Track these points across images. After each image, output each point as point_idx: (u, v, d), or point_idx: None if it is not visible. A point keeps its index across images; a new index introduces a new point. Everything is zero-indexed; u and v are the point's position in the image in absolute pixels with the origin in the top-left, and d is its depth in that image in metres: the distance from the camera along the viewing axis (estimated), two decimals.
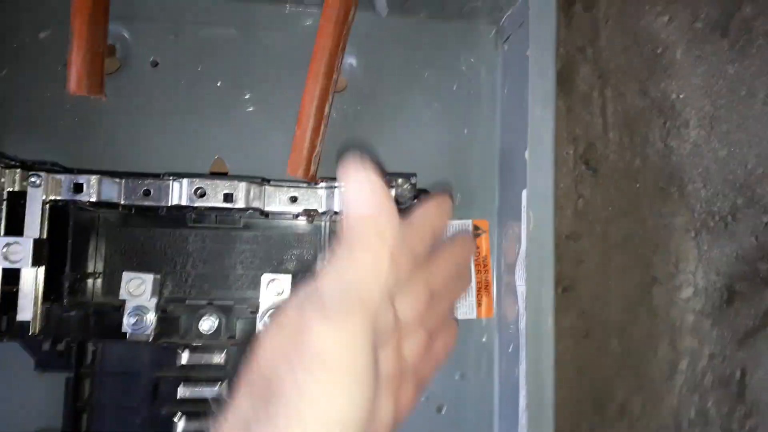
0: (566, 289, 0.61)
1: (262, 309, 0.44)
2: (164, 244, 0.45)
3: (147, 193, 0.43)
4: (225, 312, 0.45)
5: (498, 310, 0.51)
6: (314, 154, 0.44)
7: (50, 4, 0.48)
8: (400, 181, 0.46)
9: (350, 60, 0.52)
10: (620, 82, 0.65)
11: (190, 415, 0.44)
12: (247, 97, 0.50)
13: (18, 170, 0.41)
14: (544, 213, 0.44)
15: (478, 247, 0.50)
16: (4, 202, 0.41)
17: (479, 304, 0.50)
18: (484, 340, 0.51)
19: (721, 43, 0.66)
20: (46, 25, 0.48)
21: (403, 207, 0.46)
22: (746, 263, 0.63)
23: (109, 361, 0.43)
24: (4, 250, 0.40)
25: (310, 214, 0.45)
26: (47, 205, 0.42)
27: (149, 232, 0.45)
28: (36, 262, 0.40)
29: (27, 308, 0.40)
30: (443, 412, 0.50)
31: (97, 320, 0.44)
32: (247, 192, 0.44)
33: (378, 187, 0.32)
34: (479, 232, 0.50)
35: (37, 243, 0.41)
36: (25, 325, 0.41)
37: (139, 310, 0.43)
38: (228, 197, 0.44)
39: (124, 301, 0.43)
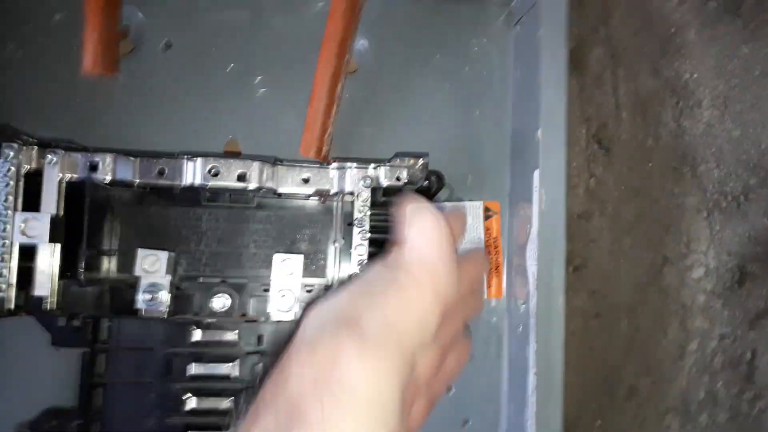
0: (577, 268, 0.62)
1: (273, 288, 0.45)
2: (178, 222, 0.46)
3: (161, 172, 0.44)
4: (238, 290, 0.45)
5: (508, 291, 0.51)
6: (326, 135, 0.44)
7: None
8: (411, 161, 0.46)
9: (362, 42, 0.52)
10: (633, 62, 0.64)
11: (201, 393, 0.45)
12: (260, 79, 0.51)
13: (35, 148, 0.42)
14: (557, 192, 0.44)
15: (488, 229, 0.50)
16: (22, 179, 0.41)
17: (489, 285, 0.51)
18: (493, 321, 0.52)
19: (734, 23, 0.65)
20: (60, 7, 0.49)
21: (415, 187, 0.46)
22: (758, 244, 0.63)
23: (123, 337, 0.44)
24: (22, 225, 0.40)
25: (322, 194, 0.46)
26: (63, 183, 0.42)
27: (164, 211, 0.46)
28: (53, 239, 0.41)
29: (44, 284, 0.41)
30: (451, 392, 0.51)
31: (112, 297, 0.44)
32: (260, 172, 0.44)
33: (446, 238, 0.32)
34: (490, 213, 0.50)
35: (54, 219, 0.41)
36: (42, 300, 0.41)
37: (154, 287, 0.43)
38: (241, 177, 0.44)
39: (139, 278, 0.43)
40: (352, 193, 0.45)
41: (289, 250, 0.46)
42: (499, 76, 0.53)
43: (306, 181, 0.45)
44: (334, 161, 0.45)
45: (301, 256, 0.45)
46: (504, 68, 0.53)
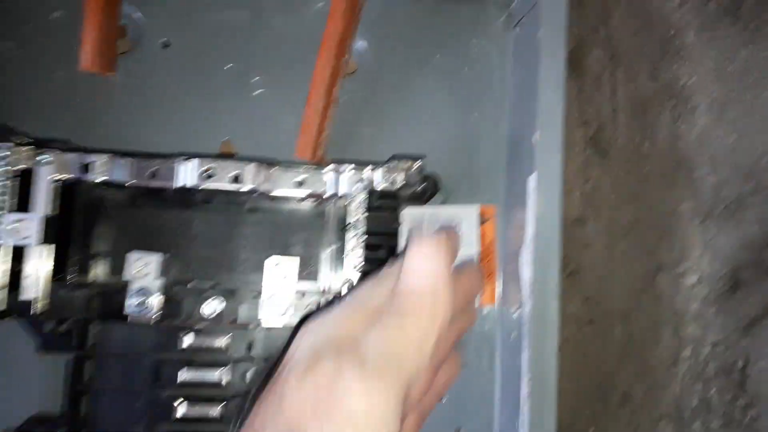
0: (571, 274, 0.61)
1: (264, 293, 0.44)
2: (171, 225, 0.45)
3: (155, 173, 0.43)
4: (229, 295, 0.45)
5: (500, 298, 0.51)
6: (322, 137, 0.44)
7: None
8: (408, 164, 0.46)
9: (361, 42, 0.51)
10: (632, 63, 0.64)
11: (191, 400, 0.44)
12: (257, 79, 0.50)
13: (29, 148, 0.41)
14: (553, 196, 0.44)
15: (484, 234, 0.50)
16: (18, 179, 0.41)
17: (483, 292, 0.50)
18: (486, 328, 0.51)
19: (734, 25, 0.65)
20: (58, 5, 0.48)
21: (411, 189, 0.46)
22: (752, 251, 0.63)
23: (112, 342, 0.43)
24: (13, 226, 0.40)
25: (316, 197, 0.45)
26: (56, 185, 0.42)
27: (156, 213, 0.45)
28: (45, 240, 0.40)
29: (32, 287, 0.40)
30: (443, 400, 0.50)
31: (102, 301, 0.43)
32: (255, 174, 0.44)
33: (445, 271, 0.32)
34: (485, 218, 0.50)
35: (45, 221, 0.41)
36: (30, 304, 0.41)
37: (143, 291, 0.42)
38: (236, 179, 0.43)
39: (128, 282, 0.43)
40: (347, 196, 0.45)
41: (282, 254, 0.45)
42: (498, 77, 0.53)
43: (301, 183, 0.45)
44: (330, 163, 0.45)
45: (297, 259, 0.44)
46: (503, 69, 0.53)
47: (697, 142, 0.64)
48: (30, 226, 0.40)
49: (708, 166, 0.64)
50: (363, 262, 0.44)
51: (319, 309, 0.44)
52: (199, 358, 0.44)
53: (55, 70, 0.48)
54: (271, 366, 0.32)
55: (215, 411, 0.44)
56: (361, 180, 0.45)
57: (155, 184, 0.43)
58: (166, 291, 0.44)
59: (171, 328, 0.44)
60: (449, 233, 0.35)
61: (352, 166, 0.45)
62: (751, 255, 0.63)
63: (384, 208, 0.45)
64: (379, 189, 0.45)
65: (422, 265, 0.32)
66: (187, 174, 0.43)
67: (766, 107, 0.65)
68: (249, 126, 0.50)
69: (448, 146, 0.52)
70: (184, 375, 0.44)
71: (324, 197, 0.45)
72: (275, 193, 0.45)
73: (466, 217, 0.49)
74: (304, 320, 0.33)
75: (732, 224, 0.64)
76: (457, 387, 0.50)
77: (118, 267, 0.43)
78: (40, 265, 0.41)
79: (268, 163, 0.45)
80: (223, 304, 0.44)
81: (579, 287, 0.62)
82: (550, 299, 0.44)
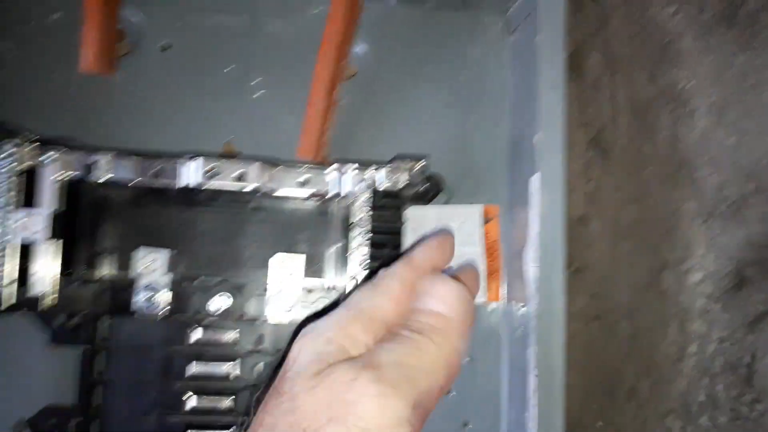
0: (577, 271, 0.62)
1: (270, 289, 0.44)
2: (176, 223, 0.45)
3: (158, 173, 0.43)
4: (236, 292, 0.45)
5: (506, 295, 0.51)
6: (324, 137, 0.44)
7: None
8: (411, 163, 0.46)
9: (360, 47, 0.52)
10: (630, 68, 0.65)
11: (200, 393, 0.44)
12: (257, 81, 0.51)
13: (34, 146, 0.42)
14: (557, 194, 0.45)
15: (488, 232, 0.50)
16: (24, 177, 0.41)
17: (488, 289, 0.50)
18: (492, 324, 0.52)
19: (730, 33, 0.66)
20: (59, 6, 0.49)
21: (414, 189, 0.46)
22: (756, 249, 0.63)
23: (123, 335, 0.44)
24: (21, 222, 0.40)
25: (320, 196, 0.46)
26: (62, 182, 0.42)
27: (163, 211, 0.45)
28: (52, 236, 0.41)
29: (42, 282, 0.41)
30: (451, 395, 0.50)
31: (111, 295, 0.44)
32: (259, 174, 0.44)
33: (467, 301, 0.34)
34: (489, 217, 0.50)
35: (53, 217, 0.41)
36: (40, 298, 0.41)
37: (152, 287, 0.43)
38: (239, 178, 0.44)
39: (137, 278, 0.43)
40: (350, 195, 0.45)
41: (287, 252, 0.46)
42: (497, 80, 0.53)
43: (304, 182, 0.45)
44: (333, 163, 0.45)
45: (303, 256, 0.45)
46: (502, 72, 0.53)
47: (697, 144, 0.65)
48: (38, 222, 0.40)
49: (709, 167, 0.64)
50: (368, 260, 0.44)
51: (317, 314, 0.44)
52: (207, 352, 0.45)
53: (54, 71, 0.48)
54: (273, 370, 0.32)
55: (224, 404, 0.44)
56: (364, 180, 0.45)
57: (159, 183, 0.44)
58: (174, 287, 0.44)
59: (180, 322, 0.44)
60: (470, 272, 0.38)
61: (356, 166, 0.46)
62: (755, 253, 0.63)
63: (388, 207, 0.45)
64: (382, 189, 0.45)
65: (447, 294, 0.34)
66: (190, 173, 0.44)
67: (764, 110, 0.65)
68: (249, 127, 0.50)
69: (448, 147, 0.52)
70: (192, 369, 0.44)
71: (327, 197, 0.46)
72: (279, 192, 0.45)
73: (469, 216, 0.49)
74: (302, 326, 0.33)
75: (735, 223, 0.64)
76: (464, 382, 0.50)
77: (125, 263, 0.44)
78: (48, 261, 0.42)
79: (272, 162, 0.45)
80: (230, 301, 0.45)
81: (584, 284, 0.62)
82: (556, 296, 0.44)
